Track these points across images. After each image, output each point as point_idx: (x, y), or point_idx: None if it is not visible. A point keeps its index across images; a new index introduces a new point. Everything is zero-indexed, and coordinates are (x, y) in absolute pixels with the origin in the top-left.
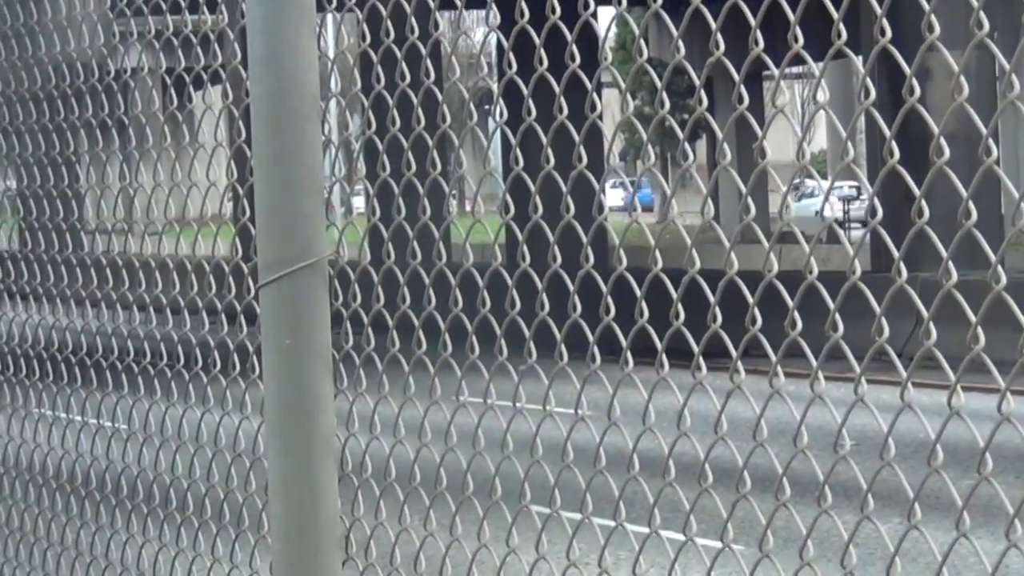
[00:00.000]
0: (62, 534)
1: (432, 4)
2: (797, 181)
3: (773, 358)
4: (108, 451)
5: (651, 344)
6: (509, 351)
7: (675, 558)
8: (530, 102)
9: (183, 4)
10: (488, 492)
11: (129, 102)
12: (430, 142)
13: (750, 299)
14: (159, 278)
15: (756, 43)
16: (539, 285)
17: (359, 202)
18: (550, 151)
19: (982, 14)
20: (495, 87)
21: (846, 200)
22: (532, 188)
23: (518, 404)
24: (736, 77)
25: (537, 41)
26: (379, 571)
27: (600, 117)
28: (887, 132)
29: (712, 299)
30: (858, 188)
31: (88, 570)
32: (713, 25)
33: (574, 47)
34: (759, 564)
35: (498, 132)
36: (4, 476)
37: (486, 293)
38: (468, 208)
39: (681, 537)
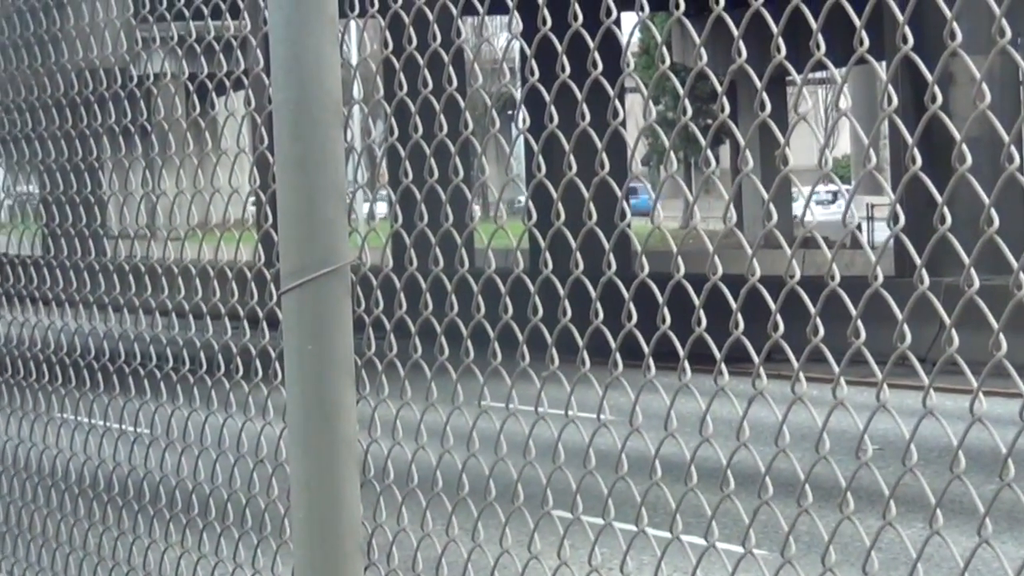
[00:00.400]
0: (84, 539)
1: (454, 11)
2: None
3: (795, 363)
4: (131, 456)
5: (673, 349)
6: (531, 357)
7: (697, 563)
8: (552, 109)
9: (206, 10)
10: (510, 497)
11: (152, 108)
12: (452, 148)
13: (772, 305)
14: (182, 283)
15: (778, 50)
16: (561, 291)
17: (380, 208)
18: (572, 158)
19: (1004, 21)
20: (518, 94)
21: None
22: (554, 194)
23: (540, 409)
24: (758, 84)
25: (559, 48)
26: None
27: (623, 123)
28: (909, 139)
29: (734, 305)
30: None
31: (110, 574)
32: (735, 32)
33: (596, 54)
34: (781, 569)
35: (521, 139)
36: (27, 481)
37: (508, 299)
38: (492, 214)
39: (703, 542)
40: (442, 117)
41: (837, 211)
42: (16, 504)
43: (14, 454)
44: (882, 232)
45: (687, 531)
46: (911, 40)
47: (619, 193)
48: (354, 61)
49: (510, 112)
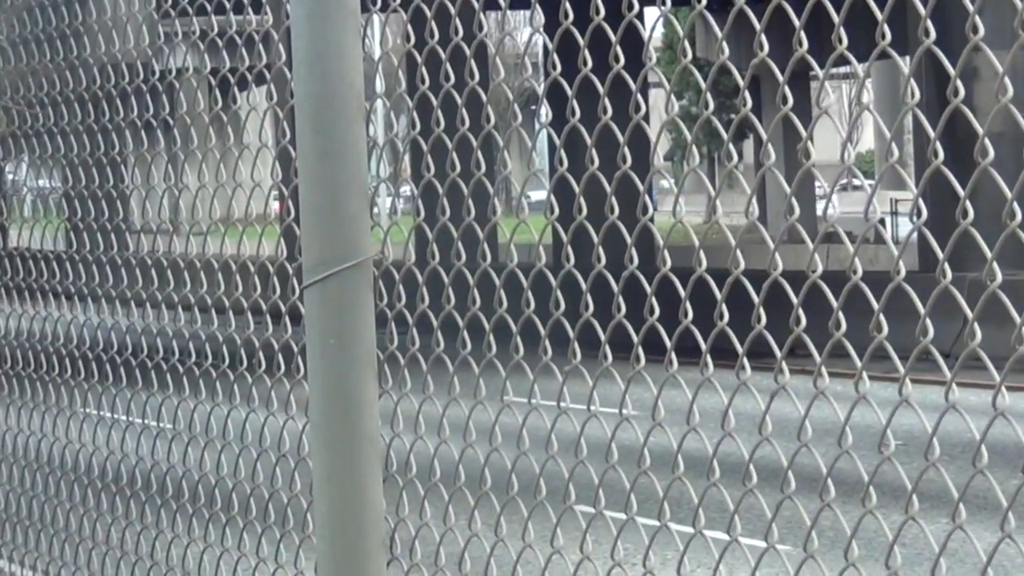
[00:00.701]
0: (107, 533)
1: (476, 5)
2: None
3: (817, 357)
4: (153, 451)
5: (695, 345)
6: (553, 351)
7: (720, 558)
8: (575, 103)
9: (228, 5)
10: (533, 492)
11: (175, 103)
12: (475, 143)
13: (794, 299)
14: (204, 278)
15: (800, 43)
16: (584, 285)
17: (402, 203)
18: (595, 152)
19: None
20: (540, 88)
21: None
22: (577, 189)
23: (562, 404)
24: (780, 77)
25: (582, 42)
26: (424, 571)
27: (646, 117)
28: (931, 132)
29: (756, 299)
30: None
31: (133, 569)
32: (757, 26)
33: (618, 48)
34: (804, 564)
35: (543, 133)
36: (50, 476)
37: (531, 293)
38: (513, 208)
39: (726, 537)
40: (464, 111)
41: (856, 200)
42: (40, 499)
43: (37, 449)
44: (905, 227)
45: (710, 526)
46: (933, 34)
47: (641, 187)
48: (376, 55)
49: (533, 107)
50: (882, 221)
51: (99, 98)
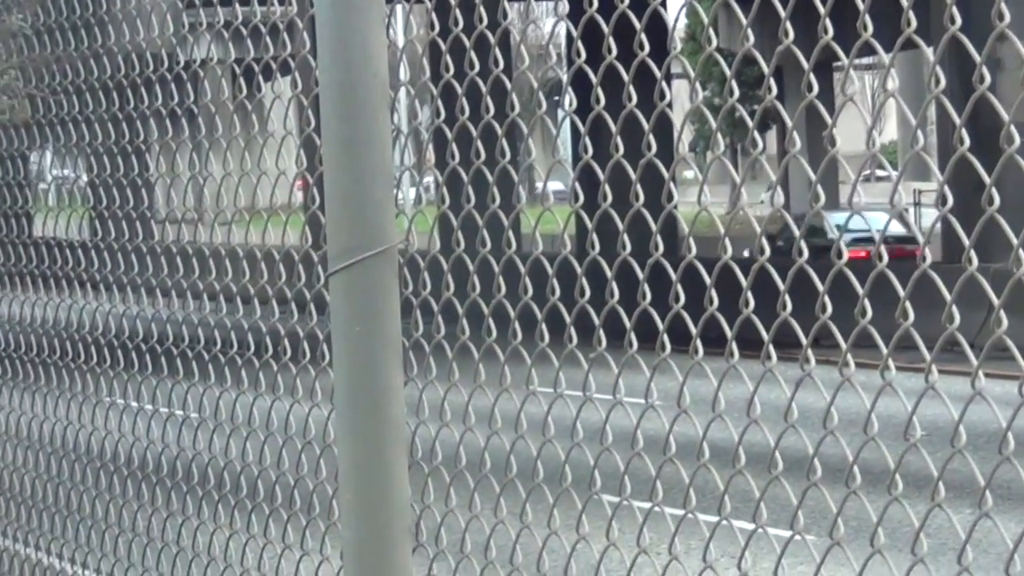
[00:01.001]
0: (133, 520)
1: None
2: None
3: (843, 344)
4: (179, 438)
5: (720, 334)
6: (579, 339)
7: (745, 546)
8: (599, 91)
9: None
10: (558, 480)
11: (199, 91)
12: (499, 131)
13: (820, 286)
14: (229, 266)
15: (825, 31)
16: (608, 273)
17: (425, 192)
18: (619, 140)
19: None
20: (564, 76)
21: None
22: (601, 176)
23: (587, 392)
24: (805, 65)
25: (606, 29)
26: (449, 558)
27: (670, 107)
28: (957, 119)
29: (781, 286)
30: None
31: (159, 556)
32: (782, 13)
33: (643, 36)
34: (830, 552)
35: (565, 122)
36: (77, 463)
37: (555, 281)
38: (536, 197)
39: (751, 525)
40: (488, 99)
41: (880, 191)
42: (66, 485)
43: (63, 436)
44: (928, 218)
45: (735, 515)
46: (959, 20)
47: (666, 174)
48: (400, 44)
49: (555, 98)
50: (905, 211)
51: (124, 86)
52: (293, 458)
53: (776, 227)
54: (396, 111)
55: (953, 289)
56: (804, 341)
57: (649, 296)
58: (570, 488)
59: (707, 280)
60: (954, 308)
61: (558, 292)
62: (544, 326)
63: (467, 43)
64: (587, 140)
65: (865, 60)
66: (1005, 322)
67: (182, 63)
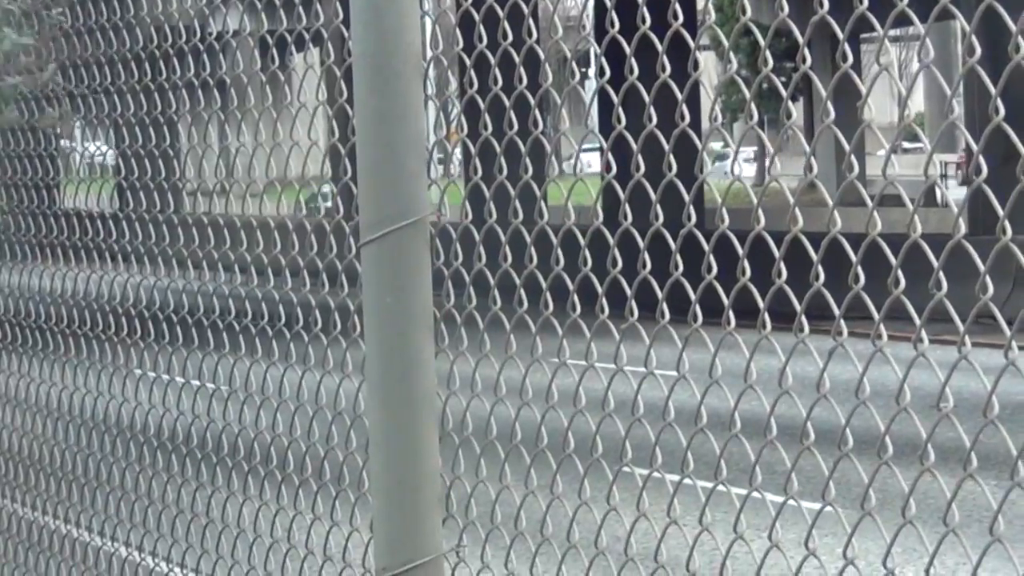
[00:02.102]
0: (163, 491)
1: None
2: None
3: (875, 314)
4: (209, 410)
5: (751, 307)
6: (610, 310)
7: (776, 517)
8: (632, 61)
9: None
10: (588, 451)
11: (231, 63)
12: (532, 101)
13: (853, 256)
14: (260, 238)
15: (860, 1)
16: (640, 244)
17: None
18: (652, 109)
19: None
20: (595, 47)
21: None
22: (635, 147)
23: (619, 363)
24: (840, 35)
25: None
26: (479, 529)
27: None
28: (992, 89)
29: (815, 258)
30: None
31: (189, 526)
32: None
33: (677, 4)
34: (860, 523)
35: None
36: (106, 434)
37: (587, 252)
38: (560, 168)
39: (780, 498)
40: (521, 69)
41: (908, 163)
42: (95, 456)
43: (92, 407)
44: (955, 192)
45: (765, 486)
46: None
47: (700, 144)
48: (433, 14)
49: (583, 70)
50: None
51: (155, 57)
52: (323, 429)
53: (807, 198)
54: (428, 81)
55: (986, 261)
56: (836, 311)
57: (681, 266)
58: (600, 459)
59: (740, 251)
60: (988, 279)
61: (590, 263)
62: (576, 297)
63: (500, 13)
64: (620, 111)
65: (893, 32)
66: None
67: (214, 34)
